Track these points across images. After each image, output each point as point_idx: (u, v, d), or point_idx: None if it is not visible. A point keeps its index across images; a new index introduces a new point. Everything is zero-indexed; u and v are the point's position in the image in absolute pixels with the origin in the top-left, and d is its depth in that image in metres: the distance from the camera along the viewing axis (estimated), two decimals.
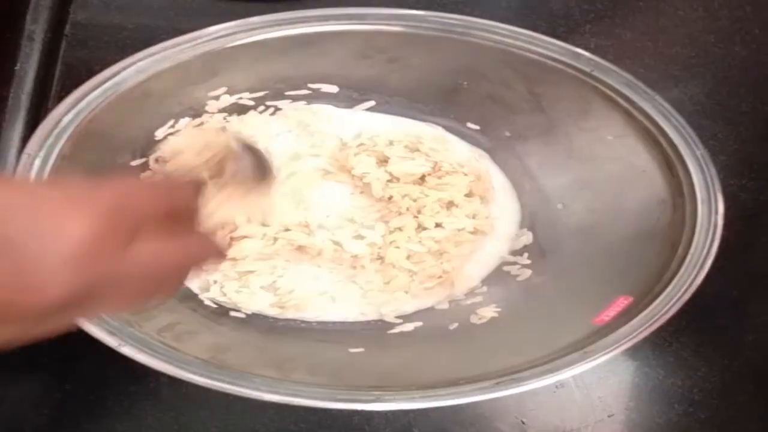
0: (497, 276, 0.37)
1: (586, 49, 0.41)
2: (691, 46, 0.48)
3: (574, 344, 0.32)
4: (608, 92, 0.40)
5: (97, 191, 0.22)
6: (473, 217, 0.39)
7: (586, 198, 0.39)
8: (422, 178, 0.40)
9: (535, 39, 0.41)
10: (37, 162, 0.35)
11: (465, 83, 0.42)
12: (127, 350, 0.30)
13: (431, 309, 0.36)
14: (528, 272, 0.37)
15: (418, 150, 0.40)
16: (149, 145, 0.39)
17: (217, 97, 0.41)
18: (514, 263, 0.38)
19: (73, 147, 0.36)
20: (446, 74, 0.42)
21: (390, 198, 0.39)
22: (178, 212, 0.24)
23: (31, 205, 0.21)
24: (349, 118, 0.42)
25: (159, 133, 0.40)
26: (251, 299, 0.35)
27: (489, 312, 0.35)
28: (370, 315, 0.36)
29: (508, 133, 0.42)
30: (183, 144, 0.30)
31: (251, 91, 0.42)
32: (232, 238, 0.36)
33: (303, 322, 0.36)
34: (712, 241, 0.35)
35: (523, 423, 0.34)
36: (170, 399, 0.33)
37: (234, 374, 0.30)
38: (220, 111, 0.41)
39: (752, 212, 0.40)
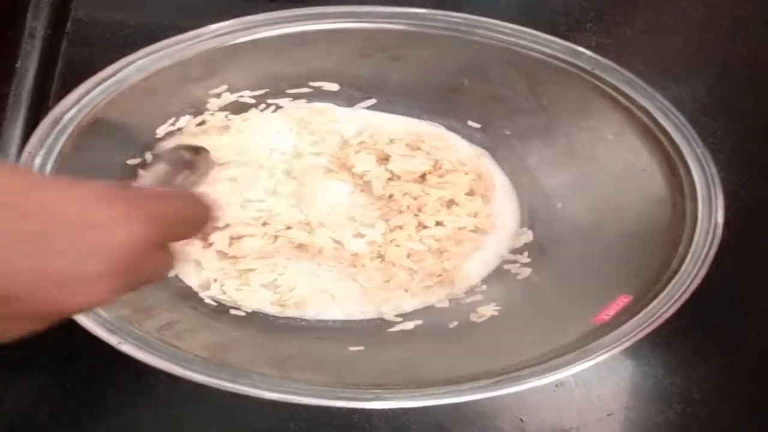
0: (497, 275, 0.37)
1: (586, 47, 0.41)
2: (691, 45, 0.47)
3: (574, 343, 0.32)
4: (609, 90, 0.40)
5: (152, 199, 0.22)
6: (474, 216, 0.39)
7: (586, 197, 0.39)
8: (423, 176, 0.40)
9: (535, 37, 0.41)
10: (38, 160, 0.35)
11: (465, 81, 0.42)
12: (127, 348, 0.30)
13: (431, 307, 0.36)
14: (528, 271, 0.37)
15: (419, 148, 0.40)
16: (150, 143, 0.39)
17: (217, 95, 0.41)
18: (514, 262, 0.38)
19: (73, 145, 0.36)
20: (447, 73, 0.42)
21: (391, 196, 0.39)
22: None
23: (86, 203, 0.21)
24: (350, 116, 0.42)
25: (160, 131, 0.40)
26: (251, 297, 0.36)
27: (489, 310, 0.35)
28: (370, 313, 0.36)
29: (508, 132, 0.42)
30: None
31: (252, 89, 0.41)
32: (232, 238, 0.36)
33: (303, 320, 0.36)
34: (713, 239, 0.34)
35: (522, 421, 0.34)
36: (170, 397, 0.33)
37: (234, 372, 0.30)
38: (221, 109, 0.41)
39: (753, 211, 0.40)
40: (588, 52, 0.41)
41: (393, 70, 0.42)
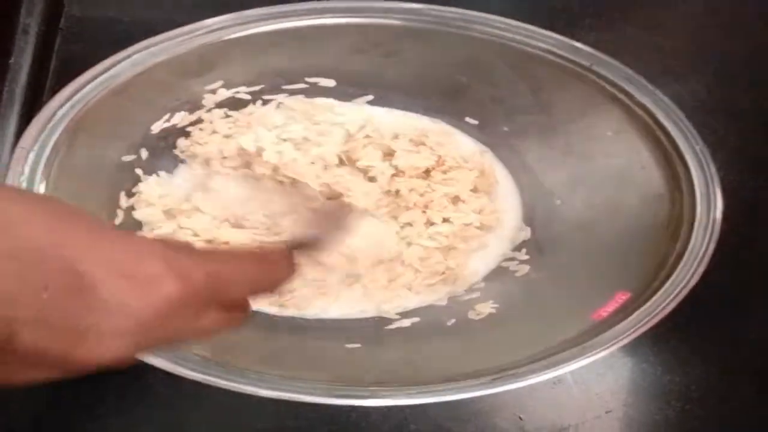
0: (495, 272, 0.37)
1: (585, 43, 0.41)
2: (691, 41, 0.47)
3: (572, 340, 0.32)
4: (608, 87, 0.39)
5: (197, 260, 0.21)
6: (479, 212, 0.38)
7: (584, 194, 0.39)
8: (427, 172, 0.39)
9: (534, 33, 0.41)
10: (32, 156, 0.35)
11: (463, 78, 0.42)
12: None
13: (429, 305, 0.36)
14: (526, 268, 0.37)
15: (423, 143, 0.40)
16: (145, 139, 0.39)
17: (213, 91, 0.41)
18: (513, 259, 0.38)
19: (67, 141, 0.36)
20: (444, 69, 0.42)
21: (397, 192, 0.38)
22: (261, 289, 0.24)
23: (128, 256, 0.20)
24: (352, 110, 0.42)
25: (155, 128, 0.39)
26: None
27: (487, 308, 0.35)
28: (370, 312, 0.36)
29: (506, 129, 0.41)
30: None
31: (248, 84, 0.41)
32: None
33: (302, 318, 0.35)
34: (711, 237, 0.34)
35: (521, 419, 0.33)
36: (168, 395, 0.33)
37: (231, 370, 0.30)
38: (217, 105, 0.41)
39: (751, 208, 0.40)
40: (587, 49, 0.40)
41: (389, 66, 0.42)
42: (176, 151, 0.40)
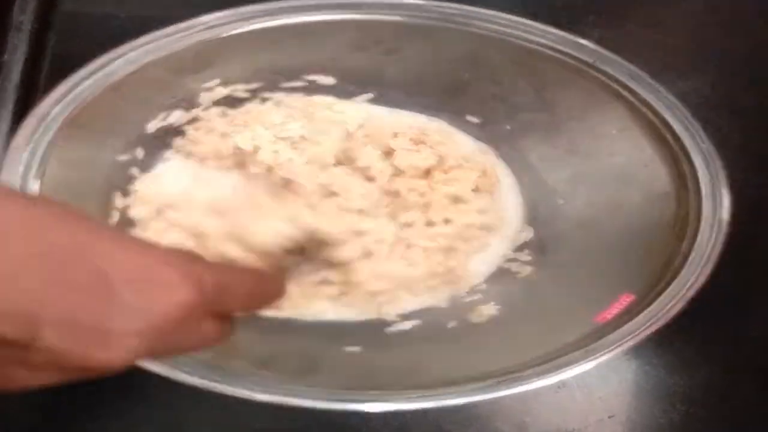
0: (497, 273, 0.37)
1: (589, 40, 0.40)
2: (696, 38, 0.47)
3: (576, 343, 0.31)
4: (611, 84, 0.39)
5: (207, 268, 0.22)
6: (481, 212, 0.38)
7: (588, 193, 0.38)
8: (427, 171, 0.39)
9: (537, 29, 0.40)
10: (25, 155, 0.34)
11: (464, 75, 0.41)
12: None
13: (430, 307, 0.36)
14: (528, 269, 0.36)
15: (423, 143, 0.40)
16: (140, 138, 0.38)
17: (210, 89, 0.40)
18: (515, 260, 0.37)
19: (61, 140, 0.35)
20: (445, 66, 0.41)
21: (397, 192, 0.38)
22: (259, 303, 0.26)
23: (141, 260, 0.21)
24: (352, 108, 0.41)
25: (150, 126, 0.39)
26: None
27: (489, 310, 0.35)
28: (370, 314, 0.35)
29: (508, 127, 0.41)
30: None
31: (246, 82, 0.41)
32: None
33: (299, 321, 0.35)
34: (717, 236, 0.34)
35: (524, 423, 0.33)
36: (165, 399, 0.32)
37: (229, 374, 0.29)
38: (214, 103, 0.40)
39: (758, 207, 0.40)
40: (591, 45, 0.40)
41: (390, 64, 0.41)
42: (172, 150, 0.39)
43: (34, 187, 0.33)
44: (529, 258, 0.37)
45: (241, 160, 0.39)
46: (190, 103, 0.40)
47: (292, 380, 0.30)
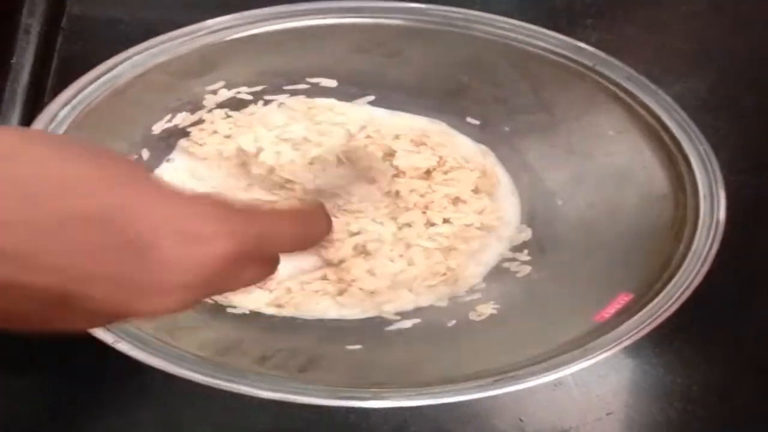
0: (496, 273, 0.37)
1: (587, 43, 0.41)
2: (694, 41, 0.47)
3: (574, 342, 0.31)
4: (610, 87, 0.39)
5: (245, 218, 0.22)
6: (480, 213, 0.38)
7: (586, 194, 0.38)
8: (428, 172, 0.39)
9: (536, 33, 0.41)
10: None
11: (464, 78, 0.42)
12: (123, 347, 0.30)
13: (429, 306, 0.36)
14: (527, 269, 0.37)
15: (423, 144, 0.40)
16: (145, 139, 0.39)
17: (215, 92, 0.41)
18: (514, 260, 0.37)
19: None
20: (446, 69, 0.42)
21: (397, 193, 0.38)
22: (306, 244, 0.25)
23: (180, 212, 0.21)
24: (353, 110, 0.41)
25: (156, 128, 0.39)
26: (247, 298, 0.35)
27: (488, 309, 0.35)
28: (370, 312, 0.36)
29: (507, 128, 0.41)
30: None
31: (249, 85, 0.41)
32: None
33: (300, 319, 0.35)
34: (714, 237, 0.34)
35: (521, 421, 0.33)
36: (166, 396, 0.33)
37: (230, 371, 0.30)
38: (218, 106, 0.41)
39: (755, 208, 0.40)
40: (589, 48, 0.40)
41: (391, 66, 0.42)
42: (177, 151, 0.40)
43: None
44: (528, 258, 0.37)
45: (244, 161, 0.39)
46: (194, 106, 0.40)
47: (293, 377, 0.30)
